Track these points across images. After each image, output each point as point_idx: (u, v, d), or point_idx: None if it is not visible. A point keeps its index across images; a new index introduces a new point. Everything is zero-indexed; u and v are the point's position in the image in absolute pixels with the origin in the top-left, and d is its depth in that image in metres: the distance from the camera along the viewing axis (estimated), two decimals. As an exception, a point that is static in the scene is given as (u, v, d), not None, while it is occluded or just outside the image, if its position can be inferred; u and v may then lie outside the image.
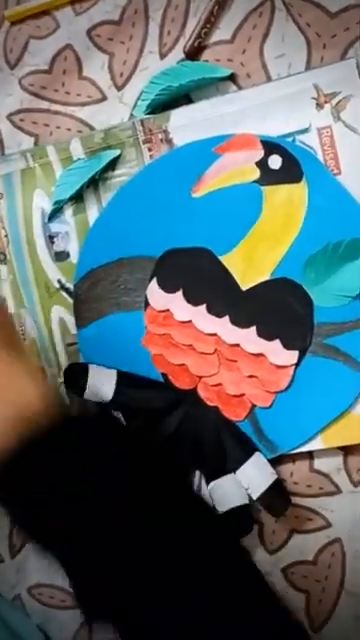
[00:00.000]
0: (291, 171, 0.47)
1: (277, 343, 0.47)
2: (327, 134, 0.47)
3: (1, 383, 0.36)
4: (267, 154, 0.47)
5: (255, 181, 0.47)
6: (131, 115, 0.50)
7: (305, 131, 0.47)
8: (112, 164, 0.49)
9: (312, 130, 0.47)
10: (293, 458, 0.48)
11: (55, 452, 0.35)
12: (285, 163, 0.47)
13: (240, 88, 0.48)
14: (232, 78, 0.49)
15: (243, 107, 0.48)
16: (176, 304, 0.48)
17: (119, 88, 0.50)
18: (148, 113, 0.49)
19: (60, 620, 0.51)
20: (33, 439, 0.35)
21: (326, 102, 0.47)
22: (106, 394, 0.49)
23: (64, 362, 0.51)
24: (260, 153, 0.47)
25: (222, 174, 0.48)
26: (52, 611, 0.52)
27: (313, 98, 0.47)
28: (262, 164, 0.47)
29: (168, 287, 0.49)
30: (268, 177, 0.47)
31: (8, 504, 0.36)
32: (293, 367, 0.47)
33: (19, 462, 0.35)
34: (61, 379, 0.50)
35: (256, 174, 0.47)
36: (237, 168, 0.48)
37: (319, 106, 0.47)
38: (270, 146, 0.47)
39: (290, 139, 0.47)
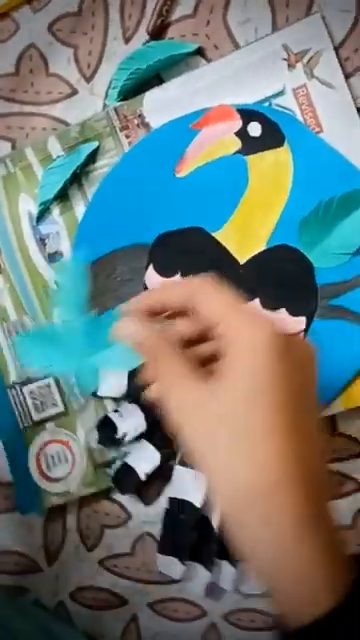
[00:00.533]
0: (272, 136, 0.47)
1: (283, 312, 0.47)
2: (303, 93, 0.47)
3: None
4: (246, 123, 0.47)
5: (237, 152, 0.47)
6: (104, 105, 0.50)
7: (280, 94, 0.47)
8: (92, 157, 0.49)
9: (287, 92, 0.47)
10: (316, 425, 0.48)
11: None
12: (265, 129, 0.47)
13: (209, 61, 0.48)
14: (200, 52, 0.49)
15: (215, 79, 0.48)
16: None
17: (88, 80, 0.50)
18: (121, 100, 0.49)
19: (106, 620, 0.51)
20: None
21: (297, 61, 0.47)
22: (120, 388, 0.49)
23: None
24: (238, 123, 0.47)
25: (203, 150, 0.48)
26: (97, 613, 0.52)
27: (284, 59, 0.47)
28: (242, 133, 0.47)
29: (165, 272, 0.49)
30: (250, 146, 0.47)
31: None
32: (302, 334, 0.47)
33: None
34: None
35: (237, 144, 0.47)
36: (218, 141, 0.48)
37: (291, 66, 0.47)
38: (248, 114, 0.47)
39: (266, 104, 0.47)
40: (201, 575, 0.48)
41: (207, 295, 0.34)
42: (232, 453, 0.31)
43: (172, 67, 0.49)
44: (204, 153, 0.48)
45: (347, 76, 0.47)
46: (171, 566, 0.48)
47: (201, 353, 0.35)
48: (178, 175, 0.48)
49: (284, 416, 0.31)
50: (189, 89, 0.48)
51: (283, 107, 0.47)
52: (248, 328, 0.32)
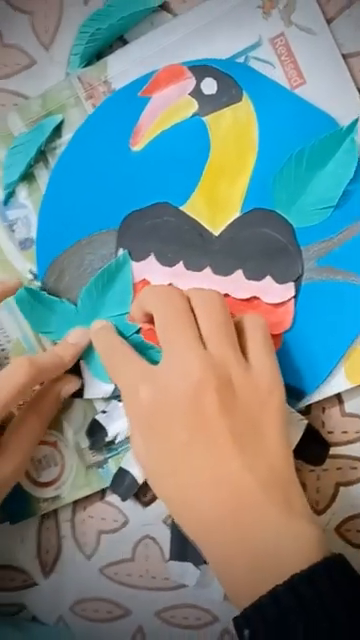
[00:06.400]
0: (229, 91, 0.48)
1: (268, 280, 0.47)
2: (281, 42, 0.47)
3: None
4: (199, 80, 0.48)
5: (195, 114, 0.48)
6: (67, 74, 0.50)
7: (256, 45, 0.48)
8: (58, 131, 0.50)
9: (264, 42, 0.48)
10: (322, 406, 0.49)
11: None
12: (220, 84, 0.47)
13: (176, 16, 0.48)
14: (166, 7, 0.49)
15: (183, 35, 0.48)
16: (151, 271, 0.49)
17: (47, 47, 0.51)
18: (85, 66, 0.49)
19: (110, 633, 0.53)
20: None
21: (272, 7, 0.47)
22: (107, 387, 0.50)
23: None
24: (191, 81, 0.48)
25: (157, 118, 0.48)
26: (100, 625, 0.53)
27: (258, 7, 0.47)
28: (197, 93, 0.48)
29: (137, 256, 0.49)
30: (207, 105, 0.48)
31: None
32: (292, 301, 0.47)
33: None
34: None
35: (194, 106, 0.48)
36: (171, 106, 0.48)
37: (266, 14, 0.47)
38: (200, 70, 0.48)
39: (242, 58, 0.48)
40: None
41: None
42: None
43: (137, 27, 0.49)
44: (158, 121, 0.48)
45: (329, 21, 0.47)
46: (185, 573, 0.49)
47: None
48: (134, 149, 0.49)
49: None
50: (156, 48, 0.48)
51: (261, 59, 0.47)
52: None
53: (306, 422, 0.47)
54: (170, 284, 0.48)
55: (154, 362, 0.44)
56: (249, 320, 0.43)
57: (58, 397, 0.49)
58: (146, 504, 0.51)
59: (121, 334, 0.49)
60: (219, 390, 0.39)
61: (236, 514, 0.38)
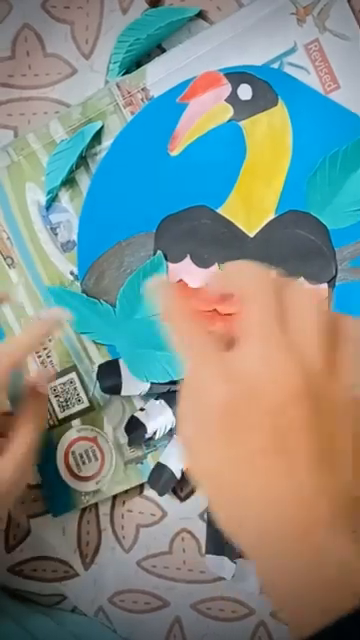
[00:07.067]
0: (264, 96, 0.49)
1: (302, 282, 0.48)
2: (315, 48, 0.48)
3: None
4: (235, 87, 0.49)
5: (231, 119, 0.49)
6: (106, 82, 0.52)
7: (291, 51, 0.49)
8: (98, 137, 0.51)
9: (299, 48, 0.49)
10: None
11: None
12: (256, 90, 0.49)
13: (213, 24, 0.49)
14: (202, 16, 0.50)
15: (219, 42, 0.49)
16: (187, 272, 0.51)
17: (87, 56, 0.52)
18: (123, 74, 0.51)
19: (149, 624, 0.54)
20: None
21: (307, 14, 0.48)
22: (143, 385, 0.52)
23: (95, 356, 0.52)
24: (227, 88, 0.49)
25: (194, 123, 0.50)
26: (138, 616, 0.54)
27: (292, 14, 0.48)
28: (233, 99, 0.49)
29: (174, 257, 0.51)
30: (243, 110, 0.49)
31: None
32: (327, 302, 0.48)
33: None
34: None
35: (230, 111, 0.49)
36: (208, 112, 0.50)
37: (300, 21, 0.48)
38: (236, 77, 0.49)
39: (277, 63, 0.49)
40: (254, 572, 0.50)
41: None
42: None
43: (174, 35, 0.51)
44: (196, 127, 0.50)
45: (362, 28, 0.47)
46: (222, 566, 0.50)
47: None
48: (172, 154, 0.50)
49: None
50: (193, 56, 0.50)
51: (295, 65, 0.49)
52: None
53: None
54: (206, 285, 0.50)
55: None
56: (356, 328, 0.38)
57: (41, 396, 0.49)
58: (183, 499, 0.53)
59: (155, 334, 0.50)
60: (309, 402, 0.35)
61: (300, 535, 0.34)
